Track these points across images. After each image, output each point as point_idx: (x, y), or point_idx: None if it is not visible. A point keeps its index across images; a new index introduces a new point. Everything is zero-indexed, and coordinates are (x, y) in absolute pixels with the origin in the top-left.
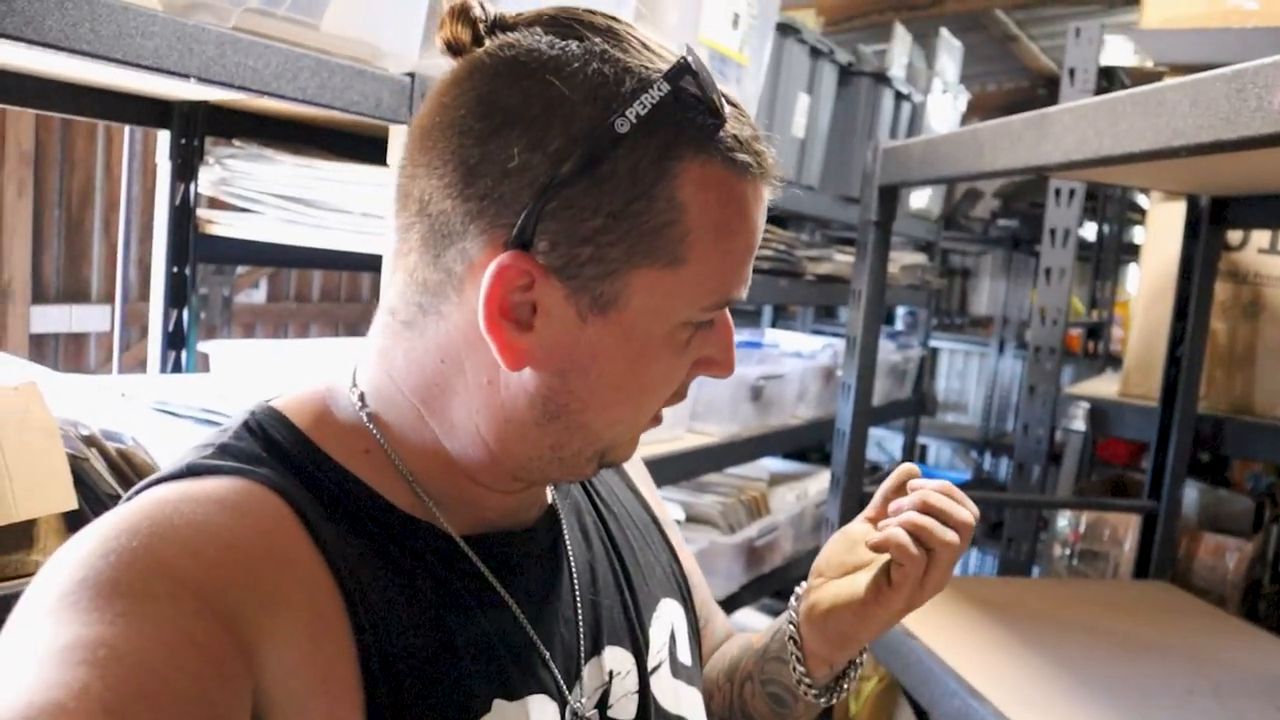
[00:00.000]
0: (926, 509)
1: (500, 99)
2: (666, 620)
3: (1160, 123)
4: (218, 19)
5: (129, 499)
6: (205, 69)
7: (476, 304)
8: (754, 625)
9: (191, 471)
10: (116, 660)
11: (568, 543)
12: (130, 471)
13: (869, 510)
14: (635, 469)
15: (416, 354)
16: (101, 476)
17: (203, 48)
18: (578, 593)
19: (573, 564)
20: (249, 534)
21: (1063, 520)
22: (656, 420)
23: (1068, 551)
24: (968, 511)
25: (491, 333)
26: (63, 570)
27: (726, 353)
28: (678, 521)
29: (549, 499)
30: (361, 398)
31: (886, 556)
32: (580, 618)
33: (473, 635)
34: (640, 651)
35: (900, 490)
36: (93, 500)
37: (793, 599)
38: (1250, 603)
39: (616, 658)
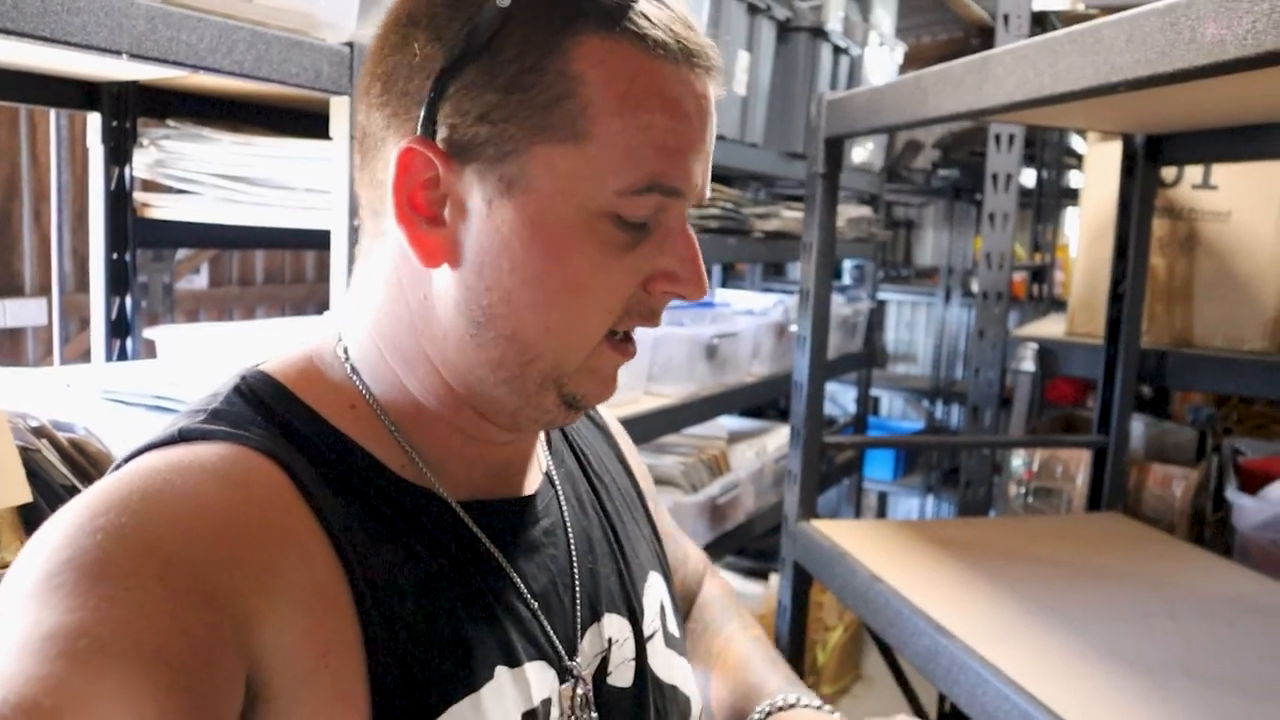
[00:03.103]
0: None
1: (412, 11)
2: (655, 592)
3: (1098, 60)
4: None
5: (118, 467)
6: (137, 45)
7: None
8: None
9: (183, 437)
10: (98, 652)
11: (564, 510)
12: (84, 461)
13: None
14: (623, 438)
15: (371, 284)
16: (55, 467)
17: (133, 23)
18: (575, 560)
19: (570, 531)
20: (243, 507)
21: (1017, 460)
22: (620, 348)
23: (1023, 490)
24: None
25: (403, 224)
26: (48, 546)
27: (688, 266)
28: None
29: (545, 466)
30: (345, 351)
31: None
32: (578, 584)
33: (473, 602)
34: (637, 619)
35: None
36: (47, 492)
37: None
38: (1197, 528)
39: (615, 625)
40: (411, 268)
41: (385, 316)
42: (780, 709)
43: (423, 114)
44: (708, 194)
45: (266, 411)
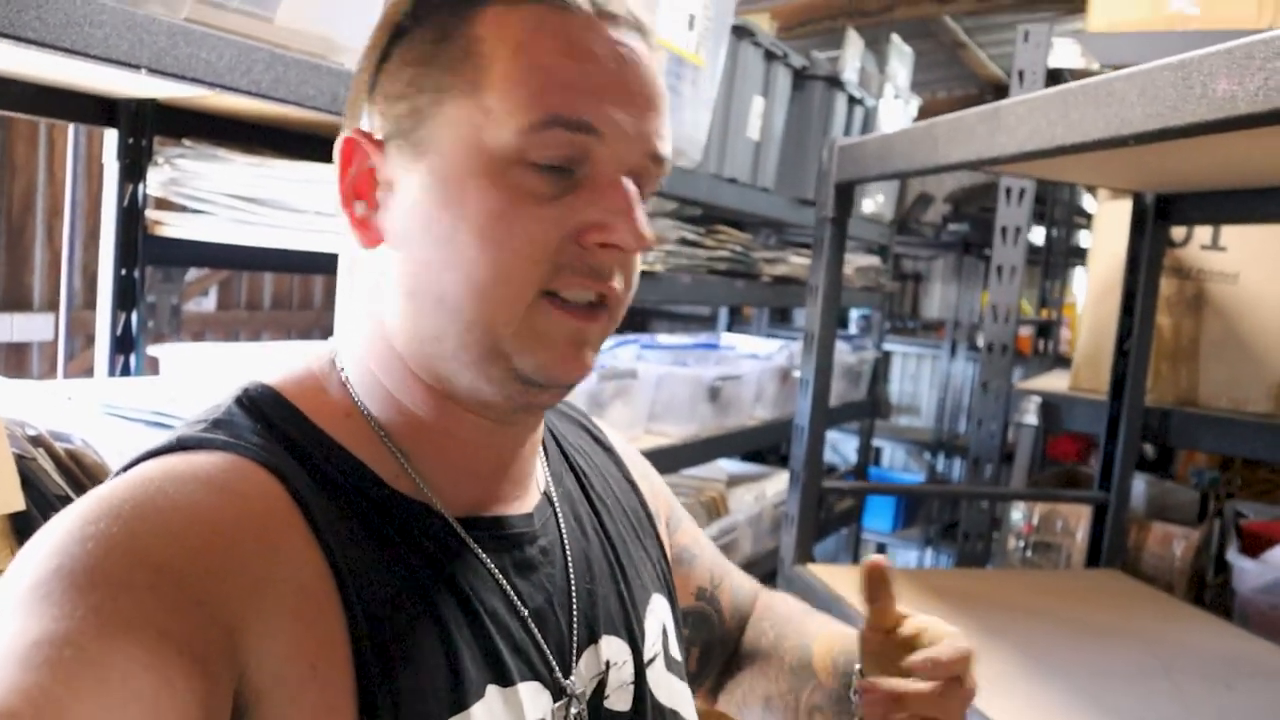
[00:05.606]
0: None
1: (364, 50)
2: (658, 615)
3: (1110, 112)
4: (169, 10)
5: (117, 475)
6: (156, 60)
7: None
8: None
9: (182, 445)
10: (83, 662)
11: (562, 530)
12: (79, 472)
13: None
14: (633, 461)
15: (351, 297)
16: (50, 476)
17: (153, 38)
18: (573, 580)
19: (568, 551)
20: (236, 515)
21: (1016, 513)
22: (566, 309)
23: (1022, 544)
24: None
25: (343, 209)
26: (38, 554)
27: (617, 216)
28: None
29: (543, 486)
30: (342, 369)
31: None
32: (575, 605)
33: (466, 619)
34: (636, 643)
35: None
36: (41, 501)
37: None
38: (1196, 588)
39: (613, 648)
40: (364, 261)
41: (362, 319)
42: None
43: (360, 111)
44: (661, 149)
45: (266, 422)
